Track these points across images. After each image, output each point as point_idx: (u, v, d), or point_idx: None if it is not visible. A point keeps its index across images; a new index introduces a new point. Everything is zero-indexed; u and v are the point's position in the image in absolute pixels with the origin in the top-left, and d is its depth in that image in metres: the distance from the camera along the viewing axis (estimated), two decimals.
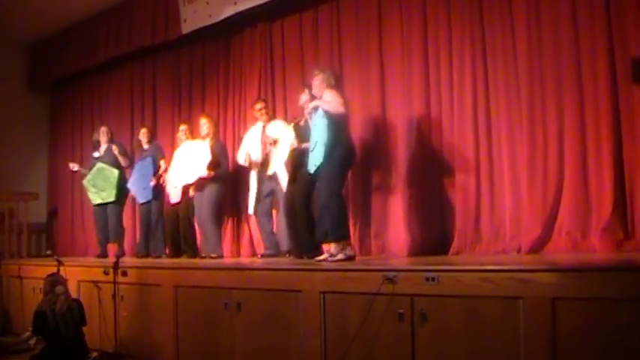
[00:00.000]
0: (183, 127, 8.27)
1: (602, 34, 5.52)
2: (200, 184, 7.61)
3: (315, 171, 5.65)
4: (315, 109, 5.61)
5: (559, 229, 5.63)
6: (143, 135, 8.61)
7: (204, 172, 7.48)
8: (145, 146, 8.58)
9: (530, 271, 3.73)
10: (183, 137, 8.13)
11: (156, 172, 8.24)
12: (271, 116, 7.63)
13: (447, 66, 6.52)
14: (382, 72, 7.03)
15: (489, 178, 6.17)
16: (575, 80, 5.66)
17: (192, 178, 7.59)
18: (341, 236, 5.53)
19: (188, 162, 7.69)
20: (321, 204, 5.56)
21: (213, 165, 7.54)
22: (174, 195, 7.99)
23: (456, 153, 6.39)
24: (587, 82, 5.60)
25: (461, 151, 6.35)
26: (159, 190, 8.25)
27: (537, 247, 5.64)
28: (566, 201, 5.63)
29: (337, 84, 5.83)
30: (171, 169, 8.09)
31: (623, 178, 5.38)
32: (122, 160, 8.56)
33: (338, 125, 5.57)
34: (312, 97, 6.00)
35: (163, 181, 8.19)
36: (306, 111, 5.83)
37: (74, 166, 8.89)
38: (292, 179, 6.55)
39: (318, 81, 5.80)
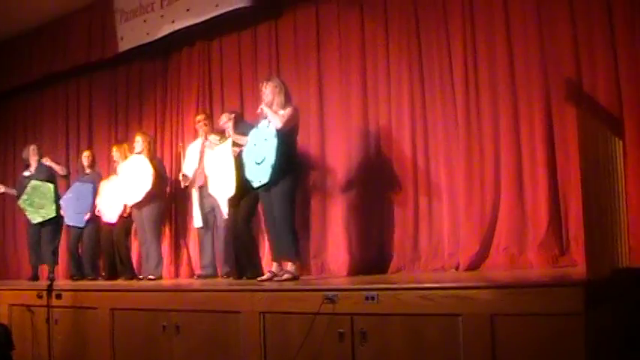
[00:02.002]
0: (124, 145, 8.10)
1: (536, 54, 5.66)
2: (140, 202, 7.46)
3: (259, 188, 5.60)
4: (275, 127, 5.43)
5: (497, 245, 5.71)
6: (86, 158, 8.41)
7: (149, 187, 7.31)
8: (87, 170, 8.39)
9: (469, 288, 3.75)
10: (117, 156, 7.96)
11: (92, 202, 8.06)
12: (211, 129, 7.42)
13: (384, 83, 6.59)
14: (320, 89, 7.06)
15: (427, 196, 6.23)
16: (511, 99, 5.78)
17: (139, 196, 7.37)
18: (295, 256, 5.50)
19: (130, 180, 7.49)
20: (275, 224, 5.51)
21: (157, 180, 7.41)
22: (109, 215, 7.82)
23: (394, 171, 6.44)
24: (521, 101, 5.73)
25: (399, 170, 6.41)
26: (94, 214, 8.05)
27: (475, 264, 5.70)
28: (503, 218, 5.72)
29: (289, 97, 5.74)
30: (107, 189, 7.92)
31: (558, 195, 5.51)
32: (59, 169, 8.37)
33: (290, 146, 5.52)
34: (237, 117, 6.09)
35: (98, 212, 8.00)
36: (265, 122, 5.57)
37: (0, 188, 8.63)
38: (235, 200, 6.45)
39: (270, 88, 5.62)
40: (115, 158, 7.99)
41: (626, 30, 5.25)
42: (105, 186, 7.99)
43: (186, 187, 7.38)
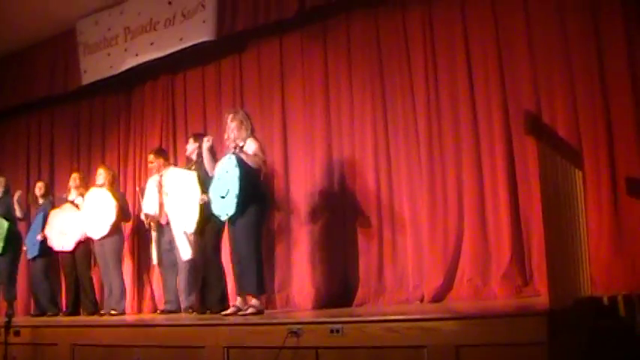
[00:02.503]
0: (74, 175, 8.03)
1: (497, 88, 5.78)
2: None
3: (228, 220, 5.56)
4: (236, 157, 5.43)
5: (460, 277, 5.74)
6: (39, 189, 8.29)
7: (113, 219, 7.22)
8: (40, 201, 8.26)
9: (434, 319, 3.76)
10: (72, 184, 7.88)
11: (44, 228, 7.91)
12: (165, 165, 7.29)
13: (348, 115, 6.66)
14: (284, 121, 7.10)
15: (391, 229, 6.26)
16: (472, 132, 5.88)
17: (105, 229, 7.26)
18: (259, 290, 5.45)
19: (94, 213, 7.39)
20: (240, 257, 5.46)
21: (120, 213, 7.33)
22: (60, 242, 7.67)
23: (357, 203, 6.47)
24: (483, 134, 5.83)
25: (363, 202, 6.44)
26: (47, 246, 7.89)
27: (440, 296, 5.72)
28: (467, 249, 5.77)
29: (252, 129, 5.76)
30: (59, 218, 7.83)
31: (520, 226, 5.57)
32: (18, 210, 8.21)
33: (254, 176, 5.51)
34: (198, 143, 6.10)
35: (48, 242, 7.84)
36: (228, 156, 5.55)
37: None
38: (200, 232, 6.41)
39: (236, 122, 5.64)
40: (70, 184, 7.91)
41: (583, 62, 5.37)
42: (56, 215, 7.82)
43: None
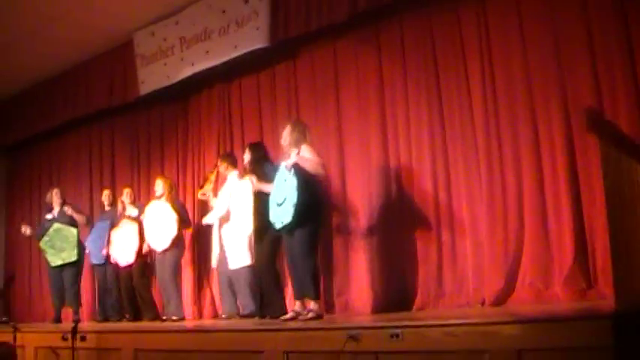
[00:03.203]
0: (127, 190, 8.28)
1: (556, 86, 5.64)
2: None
3: (282, 229, 5.59)
4: (293, 166, 5.49)
5: (522, 280, 5.62)
6: (106, 197, 8.59)
7: (175, 233, 7.37)
8: (107, 208, 8.52)
9: (494, 323, 3.70)
10: (127, 200, 8.11)
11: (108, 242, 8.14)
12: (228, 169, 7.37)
13: (404, 120, 6.58)
14: (340, 128, 7.07)
15: (450, 232, 6.18)
16: (531, 132, 5.75)
17: (166, 243, 7.42)
18: (315, 294, 5.47)
19: (156, 225, 7.54)
20: (296, 263, 5.50)
21: (181, 225, 7.47)
22: (123, 258, 7.85)
23: (416, 207, 6.40)
24: (543, 134, 5.70)
25: (421, 205, 6.37)
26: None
27: (501, 299, 5.62)
28: (528, 251, 5.65)
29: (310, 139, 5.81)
30: (118, 235, 8.00)
31: (583, 227, 5.41)
32: (79, 218, 8.46)
33: (311, 185, 5.53)
34: (256, 155, 6.28)
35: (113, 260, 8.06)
36: (284, 164, 5.61)
37: (26, 229, 8.71)
38: (258, 239, 6.45)
39: (290, 132, 5.73)
40: (123, 199, 8.17)
41: None
42: (115, 233, 8.06)
43: (208, 225, 7.43)
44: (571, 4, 5.66)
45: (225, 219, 7.12)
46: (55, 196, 8.68)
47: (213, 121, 8.48)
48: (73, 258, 8.35)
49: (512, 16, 6.00)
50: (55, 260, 8.45)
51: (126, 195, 8.18)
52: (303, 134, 5.72)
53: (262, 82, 7.99)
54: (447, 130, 6.32)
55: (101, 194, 9.12)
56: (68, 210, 8.44)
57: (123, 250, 7.88)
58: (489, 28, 6.15)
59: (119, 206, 8.25)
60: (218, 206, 7.19)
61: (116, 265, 8.06)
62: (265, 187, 5.98)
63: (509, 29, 6.01)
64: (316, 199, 5.61)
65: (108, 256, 8.12)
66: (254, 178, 6.26)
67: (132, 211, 8.04)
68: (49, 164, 10.97)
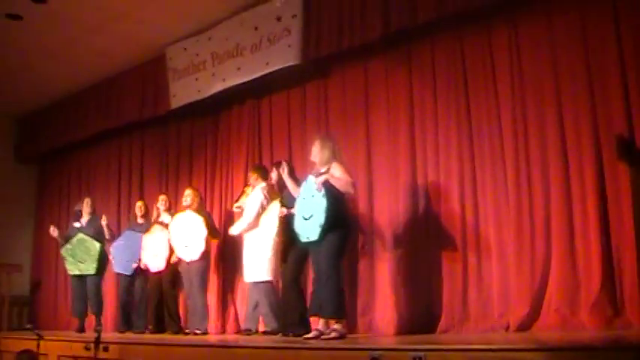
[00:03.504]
0: (162, 197, 8.36)
1: (586, 110, 5.60)
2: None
3: (308, 243, 5.61)
4: (324, 184, 5.48)
5: (547, 305, 5.56)
6: (139, 208, 8.65)
7: (203, 246, 7.43)
8: (140, 220, 8.57)
9: (518, 350, 3.66)
10: (162, 207, 8.15)
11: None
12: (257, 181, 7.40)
13: (432, 141, 6.57)
14: (369, 147, 7.08)
15: (476, 254, 6.14)
16: (561, 155, 5.71)
17: (195, 254, 7.48)
18: (339, 314, 5.47)
19: (184, 235, 7.61)
20: (321, 280, 5.50)
21: (209, 237, 7.53)
22: (153, 264, 7.91)
23: (442, 229, 6.37)
24: (572, 158, 5.65)
25: (448, 227, 6.34)
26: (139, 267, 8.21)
27: (526, 325, 5.56)
28: (554, 277, 5.59)
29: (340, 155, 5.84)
30: (150, 241, 8.06)
31: (611, 253, 5.34)
32: (107, 233, 8.53)
33: (339, 203, 5.56)
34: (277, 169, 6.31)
35: (144, 265, 8.13)
36: (315, 182, 5.56)
37: (54, 231, 8.79)
38: (284, 259, 6.48)
39: (320, 148, 5.76)
40: (158, 206, 8.21)
41: None
42: (147, 238, 8.13)
43: (233, 239, 7.48)
44: (603, 28, 5.62)
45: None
46: (85, 205, 8.78)
47: (243, 136, 8.53)
48: (91, 271, 8.44)
49: (543, 39, 5.98)
50: (73, 269, 8.56)
51: (161, 202, 8.26)
52: (333, 151, 5.74)
53: (292, 99, 8.03)
54: (475, 151, 6.30)
55: (128, 205, 9.22)
56: (104, 220, 8.51)
57: (155, 256, 7.95)
58: (520, 50, 6.13)
59: (154, 213, 8.28)
60: (244, 217, 7.22)
61: (146, 273, 8.13)
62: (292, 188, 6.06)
63: (540, 52, 5.98)
64: (343, 215, 5.63)
65: (136, 269, 8.19)
66: (284, 209, 6.33)
67: (165, 217, 8.10)
68: (78, 174, 11.11)
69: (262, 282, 6.87)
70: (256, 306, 7.06)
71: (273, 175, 6.78)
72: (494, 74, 6.30)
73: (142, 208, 8.64)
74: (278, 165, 6.64)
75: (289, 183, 6.08)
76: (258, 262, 6.86)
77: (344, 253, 5.72)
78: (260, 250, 6.84)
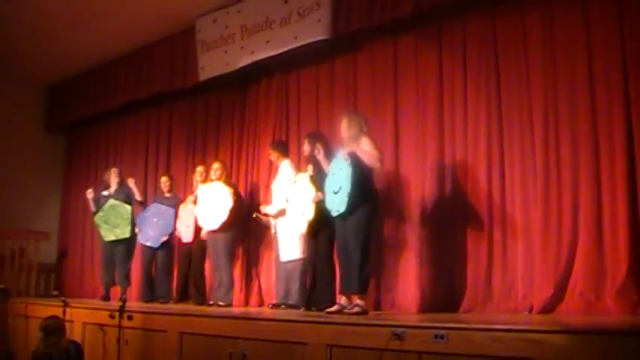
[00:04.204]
0: (200, 168, 8.33)
1: (619, 91, 5.50)
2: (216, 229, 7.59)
3: (338, 216, 5.62)
4: (350, 154, 5.51)
5: (572, 289, 5.51)
6: (164, 183, 8.70)
7: (225, 217, 7.45)
8: (167, 195, 8.65)
9: (542, 332, 3.64)
10: (199, 179, 8.18)
11: (172, 226, 8.30)
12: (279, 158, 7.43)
13: (461, 119, 6.53)
14: (396, 124, 7.05)
15: (502, 235, 6.10)
16: (591, 138, 5.63)
17: (216, 224, 7.52)
18: (363, 290, 5.48)
19: (209, 205, 7.65)
20: (348, 256, 5.52)
21: (234, 209, 7.53)
22: (185, 234, 7.98)
23: (468, 209, 6.34)
24: (603, 141, 5.57)
25: (474, 207, 6.30)
26: (171, 237, 8.29)
27: (549, 308, 5.53)
28: (580, 261, 5.54)
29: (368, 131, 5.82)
30: (184, 211, 8.12)
31: (639, 240, 5.28)
32: (137, 195, 8.65)
33: (365, 176, 5.57)
34: (312, 145, 6.27)
35: (178, 233, 8.21)
36: (342, 152, 5.65)
37: (90, 193, 8.87)
38: (315, 233, 6.48)
39: (348, 123, 5.76)
40: (196, 177, 8.24)
41: None
42: (183, 208, 8.22)
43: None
44: (639, 8, 5.51)
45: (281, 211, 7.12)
46: (113, 174, 8.89)
47: (270, 110, 8.51)
48: (127, 235, 8.54)
49: (577, 20, 5.87)
50: (109, 235, 8.64)
51: (198, 173, 8.25)
52: (360, 126, 5.73)
53: (321, 74, 7.99)
54: (504, 131, 6.24)
55: (155, 176, 9.28)
56: (131, 182, 8.65)
57: (187, 227, 8.07)
58: (554, 30, 6.03)
59: (194, 183, 8.31)
60: (277, 198, 7.22)
61: (172, 245, 8.21)
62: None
63: (574, 33, 5.88)
64: (371, 189, 5.64)
65: (164, 242, 8.28)
66: (319, 194, 6.27)
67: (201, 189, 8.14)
68: (106, 144, 11.18)
69: (293, 260, 6.90)
70: (287, 282, 7.06)
71: (305, 148, 6.73)
72: (525, 54, 6.20)
73: (167, 182, 8.69)
74: (312, 138, 6.63)
75: (324, 164, 6.08)
76: (290, 241, 6.87)
77: (372, 227, 5.72)
78: (292, 228, 6.83)
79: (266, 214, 7.35)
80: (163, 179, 8.76)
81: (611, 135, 5.51)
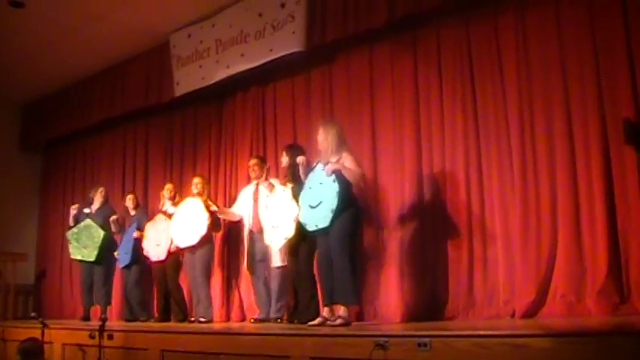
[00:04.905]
0: (169, 185, 8.31)
1: (593, 96, 5.55)
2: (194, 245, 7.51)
3: (316, 231, 5.60)
4: (335, 172, 5.47)
5: (553, 292, 5.53)
6: (130, 201, 8.68)
7: (204, 232, 7.38)
8: (132, 212, 8.64)
9: (525, 336, 3.64)
10: (167, 195, 8.16)
11: (135, 242, 8.23)
12: (263, 174, 7.28)
13: (438, 127, 6.54)
14: (374, 134, 7.04)
15: (482, 242, 6.11)
16: (567, 142, 5.66)
17: (194, 240, 7.42)
18: (355, 300, 5.48)
19: (185, 222, 7.57)
20: (335, 267, 5.46)
21: (212, 225, 7.48)
22: (155, 253, 7.90)
23: (447, 216, 6.34)
24: (578, 145, 5.61)
25: (453, 214, 6.31)
26: (139, 255, 8.16)
27: (532, 312, 5.54)
28: (560, 264, 5.56)
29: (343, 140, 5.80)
30: (153, 229, 8.06)
31: (618, 240, 5.31)
32: (114, 227, 8.58)
33: (348, 190, 5.56)
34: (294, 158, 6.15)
35: (146, 253, 8.10)
36: (325, 169, 5.56)
37: (74, 209, 8.88)
38: (295, 245, 6.42)
39: (325, 134, 5.72)
40: (163, 193, 8.22)
41: None
42: (150, 227, 8.12)
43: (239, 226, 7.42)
44: (611, 12, 5.56)
45: (257, 225, 7.05)
46: (98, 194, 8.87)
47: (247, 123, 8.49)
48: (91, 259, 8.51)
49: (550, 24, 5.92)
50: (76, 253, 8.66)
51: (167, 190, 8.21)
52: (339, 137, 5.71)
53: (297, 85, 7.99)
54: (481, 138, 6.26)
55: (135, 193, 9.22)
56: (114, 217, 8.60)
57: (156, 245, 7.94)
58: (527, 35, 6.07)
59: (161, 200, 8.27)
60: (235, 206, 7.28)
61: (148, 264, 8.13)
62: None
63: (547, 37, 5.93)
64: (352, 200, 5.62)
65: (135, 256, 8.20)
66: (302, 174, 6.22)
67: (169, 207, 8.08)
68: (83, 162, 11.10)
69: (275, 268, 6.86)
70: (267, 294, 7.03)
71: (283, 159, 6.71)
72: (500, 60, 6.25)
73: (132, 199, 8.67)
74: (289, 149, 6.64)
75: (303, 176, 6.07)
76: (275, 250, 6.82)
77: (355, 236, 5.73)
78: (277, 238, 6.78)
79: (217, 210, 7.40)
80: (129, 197, 8.74)
81: (587, 139, 5.55)
